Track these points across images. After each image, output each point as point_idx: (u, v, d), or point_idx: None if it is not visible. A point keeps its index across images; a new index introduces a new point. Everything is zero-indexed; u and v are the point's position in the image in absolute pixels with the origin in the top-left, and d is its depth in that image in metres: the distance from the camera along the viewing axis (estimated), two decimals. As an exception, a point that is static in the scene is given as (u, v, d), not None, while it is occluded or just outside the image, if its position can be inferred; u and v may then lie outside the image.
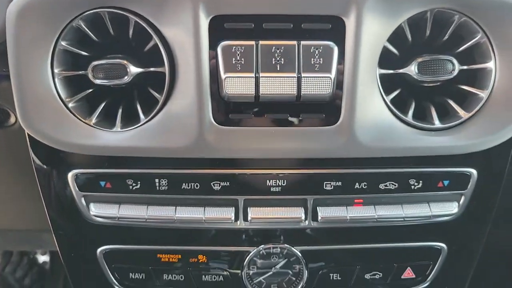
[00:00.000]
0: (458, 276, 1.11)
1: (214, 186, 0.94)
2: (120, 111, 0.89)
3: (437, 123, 0.90)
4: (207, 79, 0.83)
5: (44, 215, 1.05)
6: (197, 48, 0.82)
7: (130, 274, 1.04)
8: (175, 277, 1.03)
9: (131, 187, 0.93)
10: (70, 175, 0.94)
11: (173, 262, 1.02)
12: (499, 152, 0.96)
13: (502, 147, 0.94)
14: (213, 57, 0.83)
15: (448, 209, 0.98)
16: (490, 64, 0.88)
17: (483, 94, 0.88)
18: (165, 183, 0.93)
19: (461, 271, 1.11)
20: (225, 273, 1.03)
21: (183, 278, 1.04)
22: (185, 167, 0.93)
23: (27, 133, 0.92)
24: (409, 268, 1.05)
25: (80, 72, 0.86)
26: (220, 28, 0.82)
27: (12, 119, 1.16)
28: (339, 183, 0.94)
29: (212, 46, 0.82)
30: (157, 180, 0.93)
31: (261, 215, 0.96)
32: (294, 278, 1.04)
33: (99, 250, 1.02)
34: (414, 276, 1.06)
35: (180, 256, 1.01)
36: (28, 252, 2.13)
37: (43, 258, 2.16)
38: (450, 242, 1.04)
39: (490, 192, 1.00)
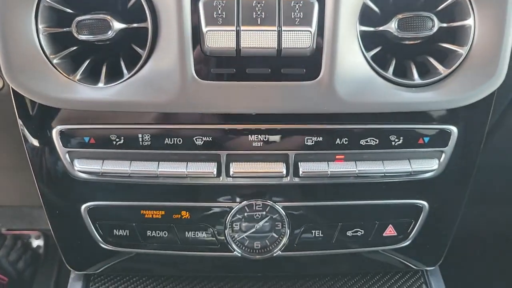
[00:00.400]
0: (440, 235, 1.14)
1: (196, 141, 0.96)
2: (104, 68, 0.91)
3: (417, 79, 0.91)
4: (188, 33, 0.85)
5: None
6: (179, 3, 0.83)
7: (114, 230, 1.06)
8: (158, 234, 1.06)
9: (114, 142, 0.95)
10: (54, 132, 0.96)
11: (156, 218, 1.04)
12: (479, 109, 0.98)
13: (482, 105, 0.97)
14: (194, 11, 0.84)
15: (428, 165, 1.00)
16: (469, 21, 0.89)
17: (462, 51, 0.90)
18: (148, 138, 0.95)
19: (442, 230, 1.13)
20: (208, 229, 1.06)
21: (166, 234, 1.06)
22: (168, 123, 0.95)
23: (12, 90, 0.93)
24: (390, 225, 1.08)
25: (65, 29, 0.88)
26: (201, -18, 0.84)
27: (0, 84, 1.17)
28: (320, 139, 0.96)
29: (194, 0, 0.83)
30: (140, 135, 0.95)
31: (243, 169, 0.98)
32: (276, 235, 1.06)
33: (83, 206, 1.04)
34: (395, 233, 1.09)
35: (163, 213, 1.04)
36: (21, 236, 2.14)
37: (37, 242, 2.17)
38: (431, 200, 1.06)
39: (471, 150, 1.02)
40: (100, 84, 0.90)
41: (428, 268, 1.22)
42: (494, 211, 1.68)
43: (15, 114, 0.99)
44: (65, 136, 0.96)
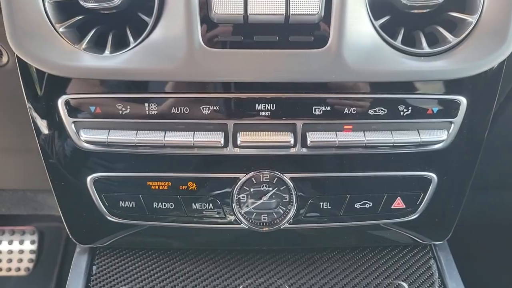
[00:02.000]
0: (448, 208, 1.15)
1: (203, 110, 0.96)
2: (110, 37, 0.92)
3: (426, 48, 0.92)
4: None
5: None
6: None
7: (120, 202, 1.07)
8: (165, 205, 1.07)
9: (120, 111, 0.96)
10: (60, 101, 0.96)
11: (163, 189, 1.05)
12: (488, 80, 0.99)
13: (491, 75, 0.98)
14: None
15: (437, 136, 1.00)
16: None
17: (471, 19, 0.91)
18: (155, 107, 0.96)
19: (451, 203, 1.14)
20: (214, 201, 1.07)
21: (173, 206, 1.07)
22: (174, 91, 0.95)
23: (17, 59, 0.94)
24: (399, 198, 1.08)
25: None
26: None
27: (5, 59, 1.18)
28: (328, 108, 0.96)
29: (201, -35, 0.84)
30: (146, 104, 0.96)
31: (250, 139, 0.98)
32: (284, 208, 1.07)
33: (89, 178, 1.05)
34: (404, 206, 1.10)
35: (169, 184, 1.05)
36: (15, 231, 2.14)
37: (31, 238, 2.17)
38: (440, 172, 1.07)
39: (480, 121, 1.03)
40: (106, 53, 0.91)
41: (436, 243, 1.23)
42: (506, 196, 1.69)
43: (19, 92, 0.99)
44: (70, 106, 0.97)
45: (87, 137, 0.98)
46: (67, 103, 0.96)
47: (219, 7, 0.84)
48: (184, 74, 0.90)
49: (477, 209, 1.34)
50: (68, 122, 0.98)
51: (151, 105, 0.96)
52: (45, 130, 1.01)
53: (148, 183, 1.05)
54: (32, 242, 2.17)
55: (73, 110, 0.97)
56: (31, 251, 2.15)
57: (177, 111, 0.96)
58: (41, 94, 0.97)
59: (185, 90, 0.96)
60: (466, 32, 0.91)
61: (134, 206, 1.07)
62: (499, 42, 0.90)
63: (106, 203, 1.08)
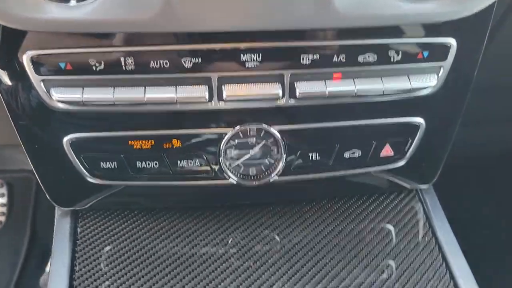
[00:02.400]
0: (435, 153, 1.16)
1: (185, 63, 0.89)
2: None
3: None
4: None
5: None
6: None
7: (101, 163, 1.01)
8: (149, 164, 1.02)
9: (94, 67, 0.88)
10: (25, 58, 0.87)
11: (146, 149, 1.00)
12: (478, 22, 0.96)
13: (481, 17, 0.94)
14: None
15: (427, 81, 0.98)
16: None
17: None
18: (132, 62, 0.88)
19: (438, 148, 1.14)
20: (201, 157, 1.03)
21: (157, 164, 1.02)
22: (152, 43, 0.88)
23: None
24: (387, 144, 1.07)
25: None
26: None
27: None
28: (317, 56, 0.92)
29: None
30: (122, 59, 0.88)
31: (236, 92, 0.93)
32: (272, 160, 1.05)
33: (65, 139, 0.98)
34: (392, 153, 1.09)
35: (153, 142, 0.99)
36: None
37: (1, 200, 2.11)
38: (428, 118, 1.06)
39: (469, 64, 1.01)
40: (72, 2, 0.82)
41: (422, 187, 1.25)
42: (484, 132, 1.71)
43: None
44: (37, 63, 0.88)
45: (59, 96, 0.90)
46: (33, 59, 0.87)
47: None
48: (160, 24, 0.82)
49: (465, 146, 1.35)
50: (36, 80, 0.90)
51: (127, 59, 0.88)
52: (11, 90, 0.92)
53: (129, 142, 0.99)
54: (1, 195, 2.12)
55: (40, 67, 0.88)
56: (2, 204, 2.11)
57: (156, 65, 0.89)
58: (3, 52, 0.88)
59: (163, 41, 0.88)
60: None
61: (116, 166, 1.02)
62: None
63: (86, 165, 1.02)
